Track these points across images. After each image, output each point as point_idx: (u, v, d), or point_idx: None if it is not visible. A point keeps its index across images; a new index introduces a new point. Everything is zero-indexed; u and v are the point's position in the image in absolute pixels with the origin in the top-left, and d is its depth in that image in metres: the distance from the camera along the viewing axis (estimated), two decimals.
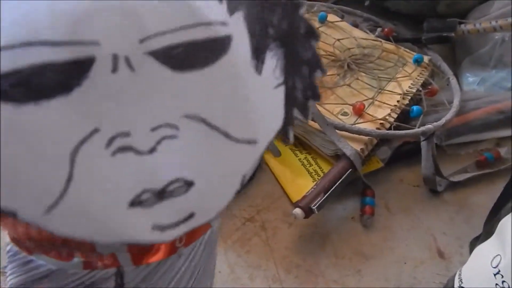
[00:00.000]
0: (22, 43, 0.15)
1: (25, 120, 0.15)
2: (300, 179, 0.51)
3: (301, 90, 0.23)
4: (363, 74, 0.61)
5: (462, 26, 0.65)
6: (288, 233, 0.47)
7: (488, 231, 0.37)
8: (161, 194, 0.18)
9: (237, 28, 0.19)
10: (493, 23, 0.61)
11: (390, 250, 0.47)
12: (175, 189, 0.18)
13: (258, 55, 0.20)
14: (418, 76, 0.62)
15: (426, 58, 0.64)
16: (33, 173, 0.16)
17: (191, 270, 0.26)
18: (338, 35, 0.67)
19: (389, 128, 0.52)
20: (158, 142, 0.17)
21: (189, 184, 0.19)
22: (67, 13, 0.15)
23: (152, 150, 0.17)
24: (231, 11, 0.19)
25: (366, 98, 0.56)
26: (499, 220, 0.34)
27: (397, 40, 0.68)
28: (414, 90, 0.59)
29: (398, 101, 0.56)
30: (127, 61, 0.16)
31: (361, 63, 0.63)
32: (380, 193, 0.52)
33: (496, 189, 0.45)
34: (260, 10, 0.20)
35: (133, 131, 0.17)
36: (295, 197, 0.49)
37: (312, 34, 0.22)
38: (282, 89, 0.22)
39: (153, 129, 0.17)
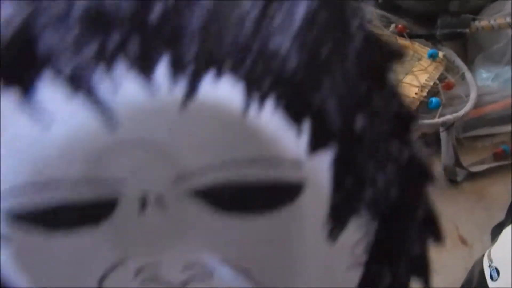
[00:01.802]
0: (31, 182, 0.14)
1: (56, 248, 0.15)
2: None
3: (386, 282, 0.17)
4: None
5: (476, 22, 0.66)
6: None
7: None
8: None
9: (316, 174, 0.14)
10: (508, 19, 0.62)
11: None
12: None
13: (337, 217, 0.15)
14: (433, 70, 0.63)
15: (440, 54, 0.65)
16: None
17: None
18: None
19: None
20: (189, 279, 0.15)
21: None
22: (82, 151, 0.13)
23: (183, 284, 0.15)
24: (313, 148, 0.14)
25: None
26: None
27: (411, 37, 0.69)
28: (431, 83, 0.59)
29: (416, 93, 0.57)
30: (158, 200, 0.14)
31: None
32: None
33: None
34: (362, 156, 0.14)
35: (163, 264, 0.15)
36: None
37: (430, 227, 0.16)
38: (358, 273, 0.16)
39: (185, 266, 0.15)
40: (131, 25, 0.13)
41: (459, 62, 0.65)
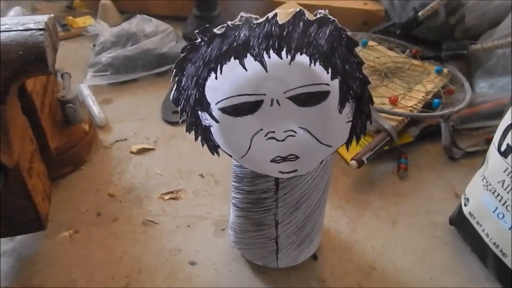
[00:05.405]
0: (237, 94, 0.35)
1: (235, 122, 0.36)
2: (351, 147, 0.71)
3: (359, 127, 0.37)
4: (397, 79, 0.81)
5: (473, 45, 0.85)
6: (347, 180, 0.67)
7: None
8: (284, 159, 0.38)
9: (333, 88, 0.34)
10: (496, 42, 0.81)
11: (420, 192, 0.65)
12: (291, 158, 0.38)
13: (342, 103, 0.35)
14: (439, 81, 0.82)
15: (445, 70, 0.85)
16: (236, 142, 0.38)
17: (316, 179, 0.44)
18: (377, 54, 0.89)
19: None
20: (286, 137, 0.36)
21: (297, 157, 0.38)
22: (253, 80, 0.34)
23: (283, 140, 0.37)
24: (332, 78, 0.34)
25: (399, 93, 0.76)
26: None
27: (422, 58, 0.89)
28: (435, 90, 0.78)
29: (423, 96, 0.76)
30: (277, 101, 0.35)
31: (394, 72, 0.83)
32: (411, 159, 0.70)
33: None
34: (348, 80, 0.34)
35: (276, 131, 0.36)
36: (348, 158, 0.68)
37: (371, 99, 0.36)
38: (349, 124, 0.37)
39: (285, 131, 0.36)
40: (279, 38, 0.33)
41: (460, 75, 0.84)
